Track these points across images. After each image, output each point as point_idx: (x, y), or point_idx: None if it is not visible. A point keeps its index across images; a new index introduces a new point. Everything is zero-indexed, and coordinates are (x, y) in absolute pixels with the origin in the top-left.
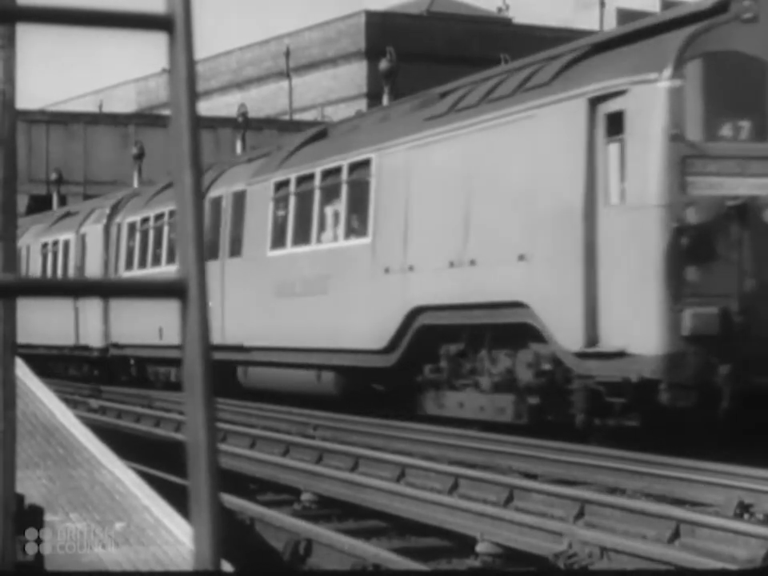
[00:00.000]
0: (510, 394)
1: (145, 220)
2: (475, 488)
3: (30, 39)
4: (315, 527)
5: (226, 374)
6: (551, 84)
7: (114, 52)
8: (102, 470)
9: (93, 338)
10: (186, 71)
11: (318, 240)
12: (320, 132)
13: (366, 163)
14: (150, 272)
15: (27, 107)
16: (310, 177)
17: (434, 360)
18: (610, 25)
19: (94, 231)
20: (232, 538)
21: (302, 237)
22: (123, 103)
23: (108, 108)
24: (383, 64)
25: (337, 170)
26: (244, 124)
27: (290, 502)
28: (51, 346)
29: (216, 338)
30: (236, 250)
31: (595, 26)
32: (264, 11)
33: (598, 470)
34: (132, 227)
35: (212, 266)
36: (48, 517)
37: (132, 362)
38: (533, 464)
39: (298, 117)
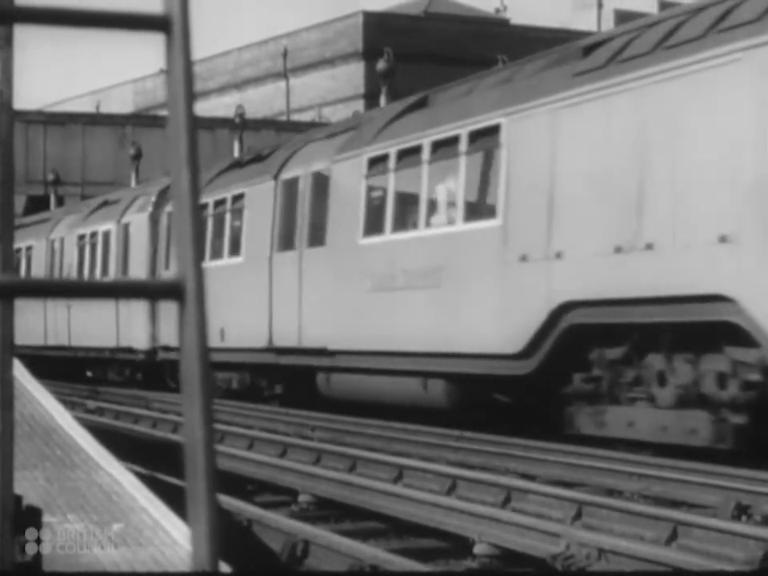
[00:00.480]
0: (703, 410)
1: (202, 207)
2: (473, 489)
3: (28, 40)
4: (313, 528)
5: (304, 381)
6: (763, 20)
7: (112, 53)
8: (99, 472)
9: (138, 339)
10: (183, 72)
11: (428, 224)
12: (419, 100)
13: (493, 130)
14: (209, 265)
15: (25, 108)
16: (415, 150)
17: (583, 367)
18: (608, 26)
19: (138, 221)
20: (229, 539)
21: (405, 221)
22: (120, 104)
23: (105, 109)
24: (381, 64)
25: (452, 141)
26: (242, 125)
27: (288, 503)
28: (88, 348)
29: (291, 341)
30: (317, 238)
31: (593, 27)
32: (262, 12)
33: (596, 471)
34: None
35: (287, 258)
36: (46, 518)
37: None
38: (530, 465)
39: (295, 117)
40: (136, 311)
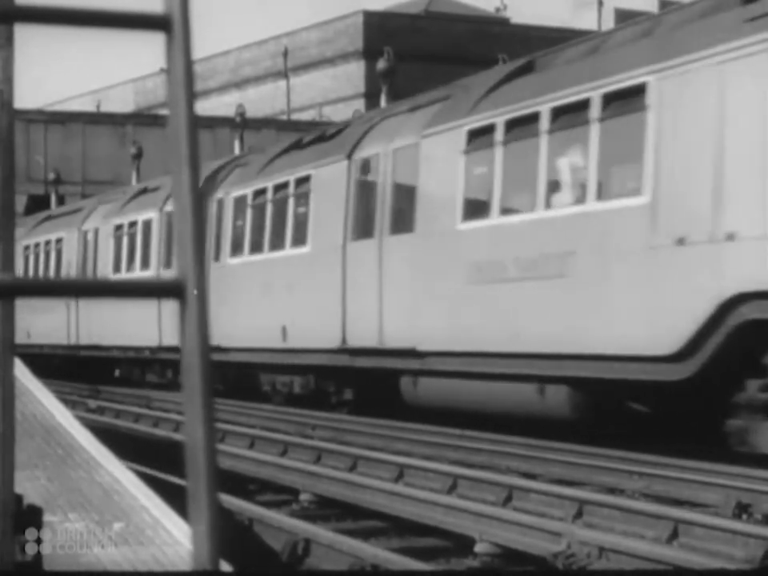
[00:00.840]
0: None
1: (259, 192)
2: (474, 488)
3: (28, 39)
4: (314, 527)
5: (382, 386)
6: None
7: (112, 52)
8: (100, 471)
9: None
10: (183, 71)
11: (548, 204)
12: (523, 66)
13: (636, 91)
14: (269, 257)
15: (25, 107)
16: (530, 118)
17: (754, 371)
18: (608, 25)
19: None
20: (230, 538)
21: (517, 202)
22: (121, 103)
23: (106, 108)
24: (381, 64)
25: (580, 105)
26: (242, 124)
27: (289, 502)
28: (127, 348)
29: (370, 341)
30: (403, 224)
31: (593, 26)
32: (262, 11)
33: (597, 470)
34: (240, 202)
35: (364, 247)
36: (47, 517)
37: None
38: (532, 464)
39: (295, 116)
40: None
